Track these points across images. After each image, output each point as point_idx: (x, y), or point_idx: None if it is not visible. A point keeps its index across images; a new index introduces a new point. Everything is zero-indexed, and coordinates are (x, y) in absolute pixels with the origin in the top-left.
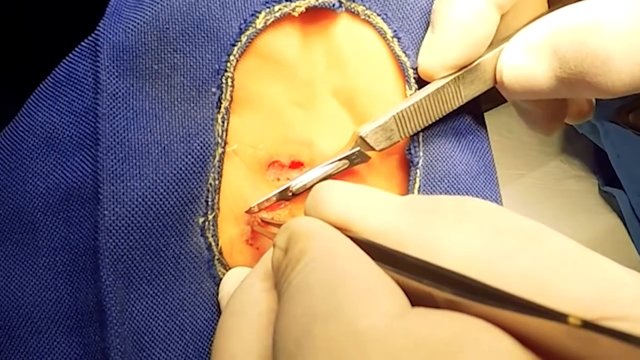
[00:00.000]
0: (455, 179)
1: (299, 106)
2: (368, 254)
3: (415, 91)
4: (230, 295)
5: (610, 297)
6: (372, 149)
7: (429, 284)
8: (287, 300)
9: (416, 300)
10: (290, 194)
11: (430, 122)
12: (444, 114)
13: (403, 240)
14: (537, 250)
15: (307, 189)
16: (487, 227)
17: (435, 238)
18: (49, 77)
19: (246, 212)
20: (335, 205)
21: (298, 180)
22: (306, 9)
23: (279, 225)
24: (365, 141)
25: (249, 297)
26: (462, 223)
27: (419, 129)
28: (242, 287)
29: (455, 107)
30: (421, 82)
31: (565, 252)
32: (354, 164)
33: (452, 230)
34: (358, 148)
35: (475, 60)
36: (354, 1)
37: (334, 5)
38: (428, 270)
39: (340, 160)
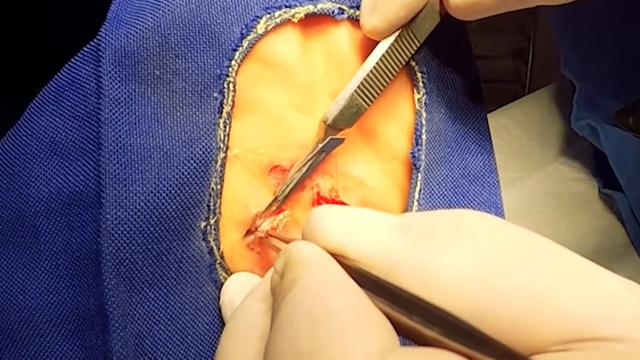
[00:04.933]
0: (454, 182)
1: (299, 110)
2: (360, 283)
3: (423, 95)
4: (232, 309)
5: (608, 316)
6: (344, 128)
7: (417, 321)
8: (274, 332)
9: (406, 334)
10: (278, 202)
11: (394, 76)
12: (404, 63)
13: (397, 265)
14: (534, 267)
15: (290, 192)
16: (483, 244)
17: (429, 260)
18: (51, 82)
19: (249, 232)
20: (330, 231)
21: (281, 187)
22: (305, 15)
23: (280, 239)
24: (334, 126)
25: (247, 319)
26: (457, 242)
27: (385, 87)
28: (242, 306)
29: (414, 52)
30: (431, 85)
31: (563, 269)
32: (330, 150)
33: (447, 250)
34: (329, 137)
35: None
36: (358, 9)
37: (333, 12)
38: (417, 305)
39: (315, 155)
